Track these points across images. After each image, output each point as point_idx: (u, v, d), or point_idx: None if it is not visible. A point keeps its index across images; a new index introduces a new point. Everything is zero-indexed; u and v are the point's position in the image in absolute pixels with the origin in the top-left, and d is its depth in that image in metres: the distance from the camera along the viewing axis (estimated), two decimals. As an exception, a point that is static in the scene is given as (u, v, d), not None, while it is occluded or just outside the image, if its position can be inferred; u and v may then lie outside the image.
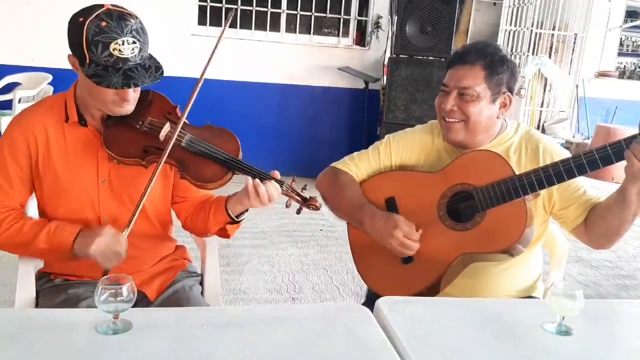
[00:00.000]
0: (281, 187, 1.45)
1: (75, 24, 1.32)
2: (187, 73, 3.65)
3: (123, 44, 1.31)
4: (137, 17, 1.36)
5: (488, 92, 1.55)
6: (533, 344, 1.17)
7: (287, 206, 1.49)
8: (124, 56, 1.32)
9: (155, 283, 1.60)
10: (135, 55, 1.34)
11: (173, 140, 1.41)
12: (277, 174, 1.47)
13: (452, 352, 1.12)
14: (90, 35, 1.30)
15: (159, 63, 1.41)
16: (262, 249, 3.75)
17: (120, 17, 1.32)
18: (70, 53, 1.37)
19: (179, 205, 1.64)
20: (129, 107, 1.44)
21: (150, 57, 1.40)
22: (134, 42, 1.33)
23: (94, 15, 1.30)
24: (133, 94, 1.42)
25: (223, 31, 1.45)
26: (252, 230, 4.02)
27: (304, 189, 1.50)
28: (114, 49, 1.30)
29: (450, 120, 1.58)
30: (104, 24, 1.30)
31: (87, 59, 1.32)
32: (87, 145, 1.48)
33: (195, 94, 1.44)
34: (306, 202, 1.49)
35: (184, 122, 1.47)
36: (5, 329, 1.10)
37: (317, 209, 1.49)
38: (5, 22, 4.98)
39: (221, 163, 1.45)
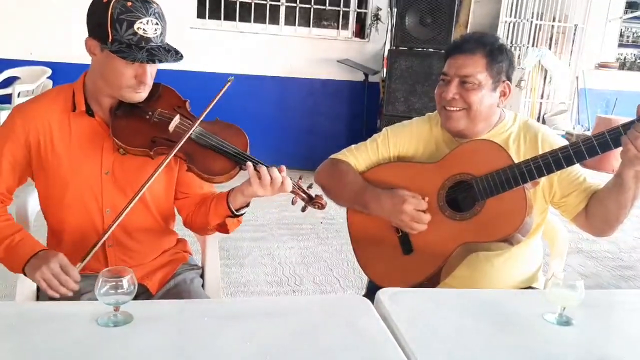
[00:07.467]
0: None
1: (99, 5, 1.34)
2: (186, 66, 3.63)
3: (147, 23, 1.34)
4: (157, 3, 1.39)
5: (489, 80, 1.55)
6: (533, 334, 1.17)
7: (292, 203, 1.50)
8: (147, 36, 1.35)
9: (156, 276, 1.60)
10: (157, 37, 1.37)
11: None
12: (283, 168, 1.46)
13: (452, 343, 1.12)
14: (116, 13, 1.32)
15: (176, 49, 1.43)
16: (263, 241, 3.76)
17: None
18: (88, 36, 1.38)
19: (181, 201, 1.64)
20: (143, 94, 1.44)
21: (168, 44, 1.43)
22: (156, 24, 1.36)
23: None
24: (150, 79, 1.43)
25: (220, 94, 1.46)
26: (252, 223, 4.02)
27: (309, 187, 1.51)
28: (138, 28, 1.33)
29: (452, 109, 1.57)
30: (129, 4, 1.33)
31: (110, 37, 1.34)
32: (92, 135, 1.48)
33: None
34: (312, 200, 1.49)
35: (194, 116, 1.48)
36: (6, 321, 1.11)
37: (323, 207, 1.50)
38: (3, 15, 4.96)
39: (229, 157, 1.45)
